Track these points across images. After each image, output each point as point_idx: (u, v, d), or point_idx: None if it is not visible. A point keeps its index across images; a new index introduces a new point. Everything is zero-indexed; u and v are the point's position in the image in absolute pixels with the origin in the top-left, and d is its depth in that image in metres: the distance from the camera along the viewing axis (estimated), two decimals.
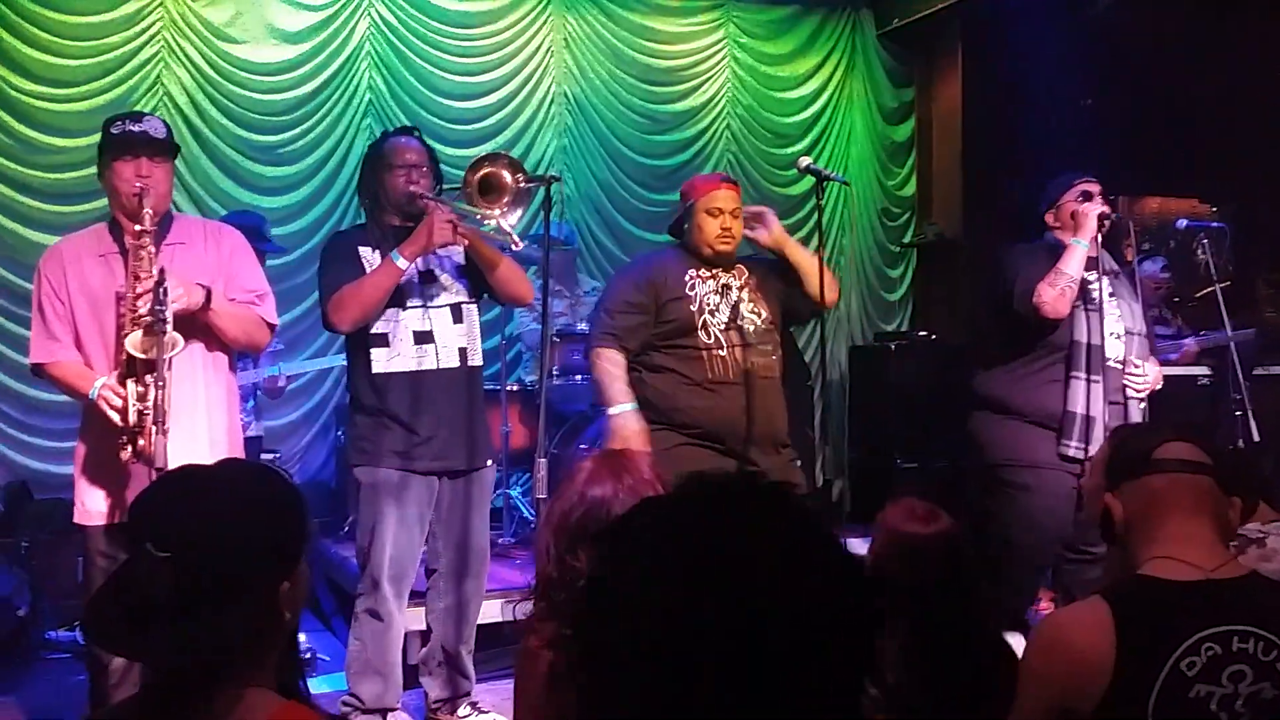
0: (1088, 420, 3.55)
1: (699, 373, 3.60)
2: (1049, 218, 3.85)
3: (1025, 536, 3.63)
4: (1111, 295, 3.69)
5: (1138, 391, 3.66)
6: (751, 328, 3.68)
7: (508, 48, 6.52)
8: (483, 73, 6.47)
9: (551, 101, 6.67)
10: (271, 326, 3.26)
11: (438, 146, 6.05)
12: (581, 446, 5.23)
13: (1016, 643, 2.24)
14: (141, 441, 2.81)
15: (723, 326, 3.63)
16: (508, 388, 5.39)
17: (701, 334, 3.61)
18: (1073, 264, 3.60)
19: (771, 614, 0.86)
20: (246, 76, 5.93)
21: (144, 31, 5.72)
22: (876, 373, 6.79)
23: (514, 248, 3.48)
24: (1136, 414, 3.62)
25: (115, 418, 2.85)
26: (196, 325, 3.02)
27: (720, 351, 3.59)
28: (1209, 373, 5.49)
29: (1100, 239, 3.73)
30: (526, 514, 5.34)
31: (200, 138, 5.85)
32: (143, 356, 2.79)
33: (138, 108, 5.57)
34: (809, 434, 5.88)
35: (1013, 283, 3.67)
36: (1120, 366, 3.63)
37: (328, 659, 4.29)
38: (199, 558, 1.31)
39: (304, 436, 6.05)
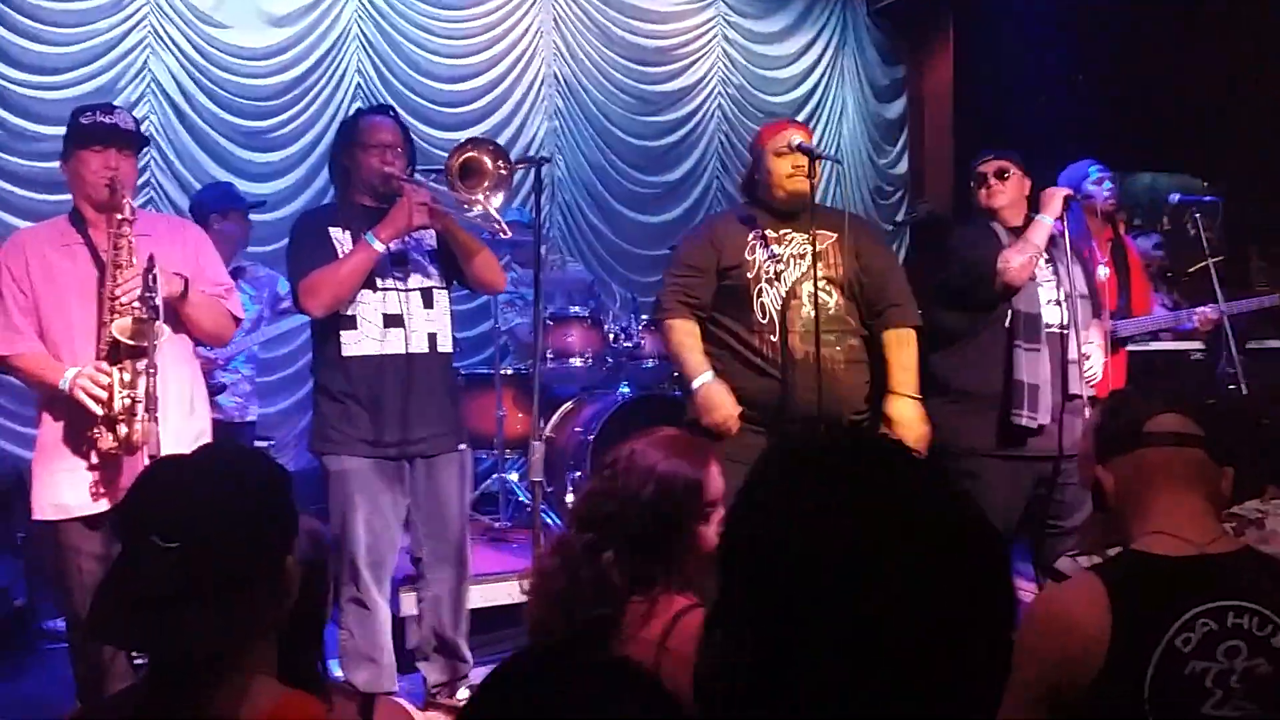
0: (1035, 389, 3.54)
1: (753, 351, 3.42)
2: (974, 197, 3.84)
3: None
4: (1048, 262, 3.71)
5: (1088, 381, 3.66)
6: (811, 313, 3.39)
7: (496, 29, 6.50)
8: (472, 55, 6.45)
9: (542, 83, 6.65)
10: (237, 320, 3.26)
11: (427, 129, 6.13)
12: (576, 429, 5.22)
13: None
14: (124, 429, 2.79)
15: (779, 306, 3.40)
16: (502, 372, 5.39)
17: (757, 311, 3.42)
18: (1039, 236, 3.64)
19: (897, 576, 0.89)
20: (233, 61, 5.90)
21: (130, 17, 5.69)
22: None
23: (502, 235, 3.41)
24: (1078, 381, 3.60)
25: (93, 406, 2.83)
26: (165, 314, 2.98)
27: (772, 336, 3.40)
28: (1202, 347, 5.48)
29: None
30: (523, 498, 5.34)
31: (188, 123, 5.82)
32: (131, 343, 2.78)
33: (124, 94, 5.56)
34: None
35: (966, 258, 3.68)
36: (1062, 332, 3.63)
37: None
38: (208, 546, 1.31)
39: (298, 424, 6.03)
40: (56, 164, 5.27)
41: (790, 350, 3.38)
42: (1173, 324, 4.74)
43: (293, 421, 6.00)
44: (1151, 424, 1.86)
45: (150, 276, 2.75)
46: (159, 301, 2.75)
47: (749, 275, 3.44)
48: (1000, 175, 3.76)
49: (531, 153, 6.46)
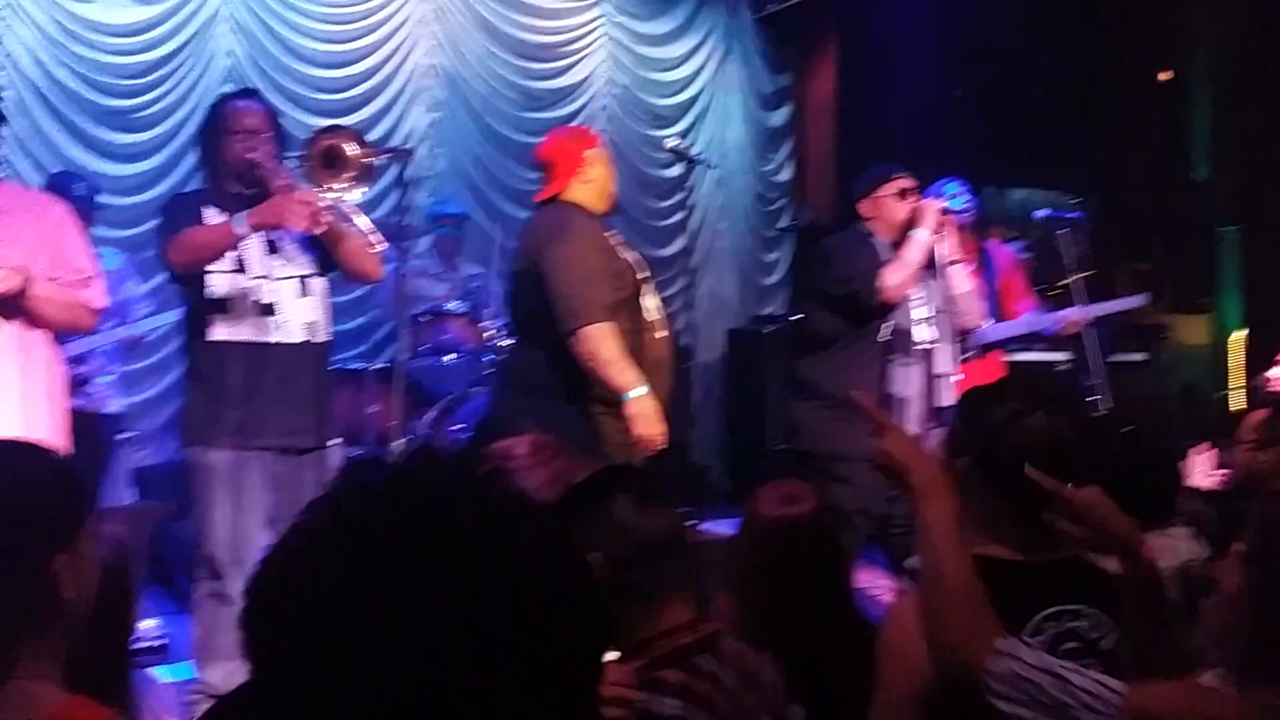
0: (905, 401, 3.65)
1: (642, 353, 3.35)
2: (863, 207, 3.85)
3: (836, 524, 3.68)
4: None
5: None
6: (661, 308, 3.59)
7: (375, 15, 6.33)
8: (349, 41, 6.27)
9: (423, 74, 6.50)
10: (97, 311, 3.10)
11: (301, 115, 5.94)
12: (455, 428, 5.12)
13: None
14: None
15: (658, 302, 3.51)
16: (374, 367, 5.28)
17: (645, 310, 3.43)
18: (915, 253, 3.70)
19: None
20: (97, 37, 5.64)
21: None
22: (752, 356, 6.83)
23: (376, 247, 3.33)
24: (948, 395, 3.69)
25: None
26: (11, 304, 2.85)
27: (660, 333, 3.47)
28: (1070, 357, 5.63)
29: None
30: None
31: (45, 101, 5.54)
32: None
33: None
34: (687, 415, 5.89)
35: (844, 271, 3.73)
36: (930, 348, 3.73)
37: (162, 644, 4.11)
38: None
39: (161, 415, 5.79)
40: None
41: (667, 342, 3.49)
42: (1035, 328, 4.85)
43: (155, 413, 5.75)
44: None
45: None
46: None
47: (639, 275, 3.47)
48: (908, 193, 3.81)
49: (410, 144, 6.33)
